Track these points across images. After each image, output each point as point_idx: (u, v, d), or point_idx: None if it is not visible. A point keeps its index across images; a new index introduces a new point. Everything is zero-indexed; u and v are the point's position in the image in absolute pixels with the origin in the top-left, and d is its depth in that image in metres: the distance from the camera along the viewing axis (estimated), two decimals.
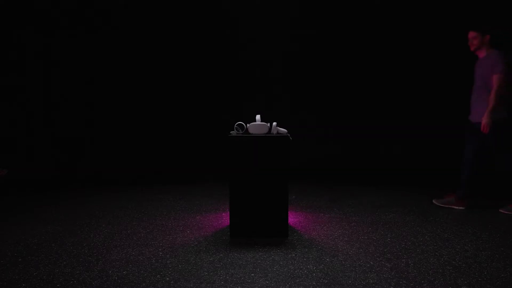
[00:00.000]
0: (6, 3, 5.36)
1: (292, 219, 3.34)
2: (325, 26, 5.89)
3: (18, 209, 3.73)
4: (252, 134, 2.88)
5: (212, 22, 5.94)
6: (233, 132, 2.98)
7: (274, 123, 2.85)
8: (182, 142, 6.04)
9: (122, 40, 5.93)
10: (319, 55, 5.94)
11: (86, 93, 5.98)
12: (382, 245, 2.67)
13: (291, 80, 6.03)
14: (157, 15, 5.90)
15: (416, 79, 5.79)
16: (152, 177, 5.61)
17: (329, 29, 5.88)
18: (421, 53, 5.68)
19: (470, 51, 3.63)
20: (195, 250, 2.58)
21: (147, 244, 2.70)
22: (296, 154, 5.70)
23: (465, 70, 3.98)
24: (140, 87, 6.03)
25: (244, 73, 6.02)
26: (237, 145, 2.81)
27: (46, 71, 5.79)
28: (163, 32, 5.93)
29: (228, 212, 3.34)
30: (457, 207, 3.65)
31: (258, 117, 2.98)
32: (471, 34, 3.57)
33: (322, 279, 2.11)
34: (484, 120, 3.37)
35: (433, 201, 3.81)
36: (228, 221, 3.15)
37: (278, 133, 2.93)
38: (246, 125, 2.95)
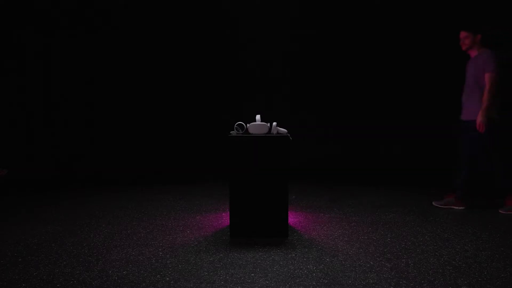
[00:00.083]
0: (6, 3, 5.36)
1: (292, 219, 3.34)
2: (325, 26, 5.88)
3: (18, 209, 3.73)
4: (252, 134, 2.88)
5: (212, 22, 5.93)
6: (233, 132, 2.98)
7: (274, 123, 2.85)
8: (182, 142, 6.04)
9: (122, 40, 5.93)
10: (319, 55, 5.94)
11: (86, 93, 5.98)
12: (382, 245, 2.67)
13: (291, 80, 6.03)
14: (157, 15, 5.90)
15: (416, 79, 5.79)
16: (152, 177, 5.61)
17: (329, 29, 5.88)
18: (421, 53, 5.68)
19: (462, 51, 3.65)
20: (195, 250, 2.58)
21: (147, 244, 2.70)
22: (296, 154, 5.70)
23: (465, 69, 3.99)
24: (140, 87, 6.03)
25: (244, 73, 6.02)
26: (237, 145, 2.80)
27: (46, 71, 5.79)
28: (163, 32, 5.93)
29: (228, 212, 3.34)
30: (457, 207, 3.65)
31: (258, 117, 2.98)
32: (463, 34, 3.60)
33: (322, 279, 2.11)
34: (479, 119, 3.39)
35: (433, 203, 3.80)
36: (228, 221, 3.15)
37: (278, 133, 2.93)
38: (246, 125, 2.95)
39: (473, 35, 3.54)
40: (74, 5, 5.74)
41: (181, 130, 6.05)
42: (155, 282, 2.09)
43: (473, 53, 3.59)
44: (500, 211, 3.55)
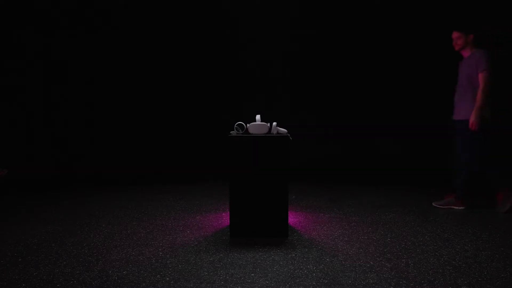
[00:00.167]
0: (6, 3, 5.35)
1: (292, 219, 3.34)
2: (325, 26, 5.88)
3: (18, 209, 3.73)
4: (252, 134, 2.88)
5: (212, 22, 5.93)
6: (233, 132, 2.98)
7: (274, 123, 2.85)
8: (182, 142, 6.04)
9: (122, 40, 5.93)
10: (319, 55, 5.93)
11: (86, 93, 5.98)
12: (382, 245, 2.67)
13: (291, 80, 6.02)
14: (157, 15, 5.90)
15: (416, 79, 5.78)
16: (152, 177, 5.61)
17: (329, 29, 5.88)
18: (422, 52, 5.68)
19: (455, 51, 3.68)
20: (195, 250, 2.58)
21: (147, 244, 2.70)
22: (296, 154, 5.70)
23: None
24: (140, 87, 6.03)
25: (244, 73, 6.02)
26: (237, 145, 2.80)
27: (46, 71, 5.79)
28: (163, 32, 5.93)
29: (228, 212, 3.34)
30: (457, 207, 3.65)
31: (258, 117, 2.98)
32: (455, 35, 3.62)
33: (322, 279, 2.11)
34: (472, 118, 3.40)
35: (433, 203, 3.80)
36: (228, 221, 3.15)
37: (278, 133, 2.93)
38: (246, 125, 2.95)
39: (465, 36, 3.57)
40: (74, 5, 5.73)
41: (181, 130, 6.05)
42: (155, 282, 2.09)
43: (466, 53, 3.62)
44: (499, 211, 3.55)
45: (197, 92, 6.04)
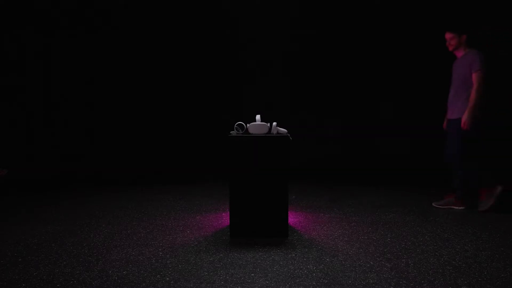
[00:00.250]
0: (6, 3, 5.35)
1: (292, 219, 3.34)
2: (325, 26, 5.88)
3: (18, 209, 3.73)
4: (252, 134, 2.88)
5: (212, 22, 5.93)
6: (233, 132, 2.98)
7: (274, 123, 2.85)
8: (182, 142, 6.04)
9: (122, 40, 5.93)
10: (319, 55, 5.94)
11: (86, 93, 5.98)
12: (382, 245, 2.67)
13: (291, 80, 6.02)
14: (157, 15, 5.90)
15: (417, 79, 5.78)
16: (152, 177, 5.61)
17: (329, 29, 5.88)
18: (422, 52, 5.68)
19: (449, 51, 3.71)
20: (195, 250, 2.58)
21: (147, 244, 2.70)
22: (296, 154, 5.70)
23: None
24: (140, 87, 6.03)
25: (244, 73, 6.02)
26: (237, 145, 2.80)
27: (46, 71, 5.79)
28: (163, 32, 5.93)
29: (228, 212, 3.34)
30: (457, 207, 3.65)
31: (258, 117, 2.98)
32: (448, 35, 3.63)
33: (322, 279, 2.11)
34: (465, 117, 3.42)
35: (433, 204, 3.80)
36: (228, 221, 3.15)
37: (278, 133, 2.93)
38: (246, 125, 2.95)
39: (459, 36, 3.58)
40: (74, 5, 5.74)
41: (181, 130, 6.05)
42: (155, 282, 2.09)
43: (460, 53, 3.64)
44: (479, 209, 3.57)
45: (197, 92, 6.04)
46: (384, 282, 2.08)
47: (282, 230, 2.85)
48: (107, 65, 5.96)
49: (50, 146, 5.84)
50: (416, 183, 4.94)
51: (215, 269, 2.26)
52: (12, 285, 2.07)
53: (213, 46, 5.99)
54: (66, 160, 5.91)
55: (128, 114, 6.04)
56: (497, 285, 2.03)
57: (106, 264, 2.35)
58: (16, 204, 3.92)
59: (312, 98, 6.02)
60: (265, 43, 5.94)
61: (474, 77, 3.43)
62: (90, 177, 5.57)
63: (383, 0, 5.71)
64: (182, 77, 6.03)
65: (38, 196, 4.31)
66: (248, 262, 2.37)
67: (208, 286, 2.03)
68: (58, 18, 5.73)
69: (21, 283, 2.09)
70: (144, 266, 2.32)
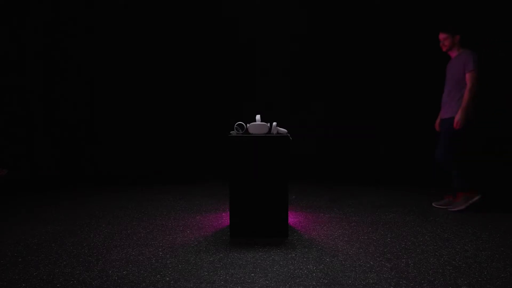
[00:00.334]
0: (6, 3, 5.35)
1: (292, 219, 3.34)
2: (325, 26, 5.88)
3: (18, 209, 3.73)
4: (252, 134, 2.88)
5: (212, 22, 5.93)
6: (233, 132, 2.98)
7: (274, 123, 2.85)
8: (182, 142, 6.04)
9: (122, 40, 5.93)
10: (319, 55, 5.93)
11: (86, 93, 5.98)
12: (382, 245, 2.67)
13: (291, 80, 6.02)
14: (157, 15, 5.90)
15: (417, 79, 5.78)
16: (152, 177, 5.61)
17: (329, 29, 5.88)
18: (422, 53, 5.68)
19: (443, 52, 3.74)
20: (195, 250, 2.58)
21: (147, 244, 2.70)
22: (296, 154, 5.70)
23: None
24: (140, 87, 6.02)
25: (244, 73, 6.02)
26: (237, 145, 2.81)
27: (46, 71, 5.78)
28: (163, 32, 5.93)
29: (228, 212, 3.34)
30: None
31: (258, 117, 2.99)
32: (442, 36, 3.65)
33: (322, 279, 2.11)
34: (458, 117, 3.44)
35: (433, 204, 3.80)
36: (228, 221, 3.15)
37: (278, 133, 2.93)
38: (246, 125, 2.95)
39: (452, 36, 3.60)
40: (74, 5, 5.74)
41: (181, 130, 6.05)
42: (155, 282, 2.09)
43: (453, 53, 3.66)
44: (449, 208, 3.62)
45: (197, 92, 6.04)
46: (384, 282, 2.08)
47: (282, 230, 2.85)
48: (107, 65, 5.96)
49: (50, 146, 5.84)
50: (416, 183, 4.94)
51: (215, 269, 2.26)
52: (12, 285, 2.07)
53: (213, 46, 5.98)
54: (66, 160, 5.90)
55: (128, 114, 6.04)
56: (497, 285, 2.03)
57: (106, 264, 2.35)
58: (16, 204, 3.92)
59: (312, 98, 6.02)
60: (265, 43, 5.94)
61: (468, 77, 3.45)
62: (90, 177, 5.57)
63: (383, 0, 5.71)
64: (182, 77, 6.03)
65: (38, 196, 4.31)
66: (248, 262, 2.37)
67: (208, 286, 2.03)
68: (58, 18, 5.73)
69: (21, 283, 2.09)
70: (144, 266, 2.32)
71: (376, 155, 5.92)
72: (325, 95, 5.99)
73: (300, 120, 5.94)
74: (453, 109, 3.53)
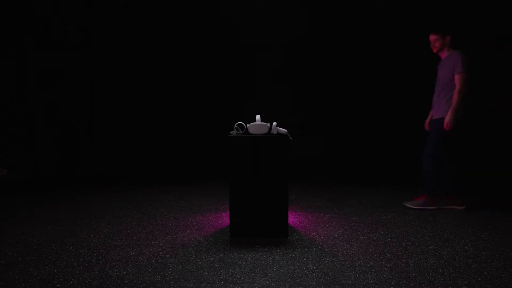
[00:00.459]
0: (6, 3, 5.35)
1: (292, 219, 3.34)
2: (325, 26, 5.88)
3: (18, 209, 3.73)
4: (252, 134, 2.88)
5: (212, 22, 5.93)
6: (233, 132, 2.98)
7: (274, 123, 2.85)
8: (182, 142, 6.04)
9: (122, 40, 5.93)
10: (320, 55, 5.93)
11: (86, 93, 5.98)
12: (382, 245, 2.67)
13: (291, 80, 6.02)
14: (157, 15, 5.90)
15: (417, 79, 5.78)
16: (152, 177, 5.61)
17: (329, 29, 5.88)
18: (423, 53, 5.68)
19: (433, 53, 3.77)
20: (195, 250, 2.58)
21: (147, 244, 2.70)
22: (296, 154, 5.70)
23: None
24: (140, 87, 6.03)
25: (244, 73, 6.02)
26: (237, 145, 2.81)
27: (46, 71, 5.78)
28: (163, 32, 5.93)
29: (228, 212, 3.34)
30: (457, 207, 3.64)
31: (258, 117, 2.99)
32: (432, 37, 3.68)
33: (322, 279, 2.11)
34: (447, 118, 3.46)
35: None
36: (228, 221, 3.15)
37: (278, 133, 2.93)
38: (246, 125, 2.95)
39: (442, 37, 3.62)
40: (74, 5, 5.74)
41: (181, 130, 6.05)
42: (155, 282, 2.09)
43: (444, 54, 3.68)
44: (408, 204, 3.67)
45: (197, 92, 6.04)
46: (384, 282, 2.08)
47: (282, 230, 2.85)
48: (107, 65, 5.96)
49: (50, 146, 5.84)
50: (416, 183, 4.93)
51: (215, 269, 2.26)
52: (12, 285, 2.07)
53: (213, 46, 5.99)
54: (66, 160, 5.90)
55: (128, 114, 6.04)
56: (497, 285, 2.03)
57: (106, 264, 2.35)
58: (16, 204, 3.92)
59: (312, 98, 6.02)
60: (265, 43, 5.94)
61: (457, 78, 3.48)
62: (90, 177, 5.57)
63: (383, 0, 5.71)
64: (182, 77, 6.03)
65: (38, 196, 4.31)
66: (248, 262, 2.37)
67: (208, 286, 2.03)
68: (57, 18, 5.73)
69: (21, 283, 2.09)
70: (144, 266, 2.32)
71: (376, 155, 5.93)
72: (325, 95, 5.99)
73: (300, 120, 5.94)
74: (443, 110, 3.56)
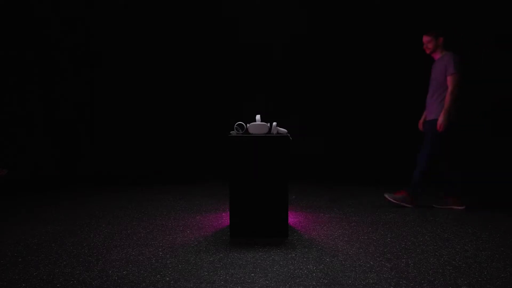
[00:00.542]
0: (5, 3, 5.35)
1: (292, 219, 3.34)
2: (325, 26, 5.88)
3: (18, 209, 3.73)
4: (252, 134, 2.88)
5: (212, 22, 5.93)
6: (233, 132, 2.98)
7: (274, 123, 2.85)
8: (182, 142, 6.04)
9: (122, 40, 5.93)
10: (319, 55, 5.93)
11: (86, 93, 5.98)
12: (382, 245, 2.67)
13: (291, 80, 6.02)
14: (157, 15, 5.90)
15: (417, 79, 5.78)
16: (152, 177, 5.61)
17: (329, 29, 5.88)
18: (423, 53, 5.68)
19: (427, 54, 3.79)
20: (195, 250, 2.58)
21: (147, 244, 2.70)
22: (296, 154, 5.70)
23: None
24: (140, 87, 6.03)
25: (244, 73, 6.02)
26: (237, 145, 2.80)
27: (46, 71, 5.78)
28: (163, 32, 5.93)
29: (228, 212, 3.35)
30: (457, 207, 3.65)
31: (258, 117, 2.99)
32: (425, 38, 3.69)
33: (322, 279, 2.11)
34: (441, 119, 3.47)
35: (433, 205, 3.79)
36: (228, 221, 3.15)
37: (278, 133, 2.93)
38: (246, 125, 2.95)
39: (435, 39, 3.64)
40: (74, 5, 5.74)
41: (181, 130, 6.05)
42: (155, 282, 2.09)
43: (437, 56, 3.70)
44: (385, 195, 3.74)
45: (197, 92, 6.04)
46: (384, 282, 2.08)
47: (282, 230, 2.85)
48: (107, 65, 5.96)
49: (50, 146, 5.84)
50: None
51: (215, 269, 2.26)
52: (12, 285, 2.07)
53: (213, 46, 5.99)
54: (66, 160, 5.90)
55: (128, 114, 6.04)
56: (497, 285, 2.03)
57: (106, 264, 2.35)
58: (16, 204, 3.92)
59: (312, 98, 6.02)
60: (265, 43, 5.94)
61: (449, 80, 3.49)
62: (90, 177, 5.57)
63: (383, 0, 5.71)
64: (182, 77, 6.03)
65: (38, 196, 4.31)
66: (248, 262, 2.37)
67: (208, 286, 2.03)
68: (58, 18, 5.73)
69: (21, 283, 2.09)
70: (144, 266, 2.32)
71: (376, 155, 5.92)
72: (325, 95, 5.99)
73: (300, 120, 5.94)
74: (436, 111, 3.57)
